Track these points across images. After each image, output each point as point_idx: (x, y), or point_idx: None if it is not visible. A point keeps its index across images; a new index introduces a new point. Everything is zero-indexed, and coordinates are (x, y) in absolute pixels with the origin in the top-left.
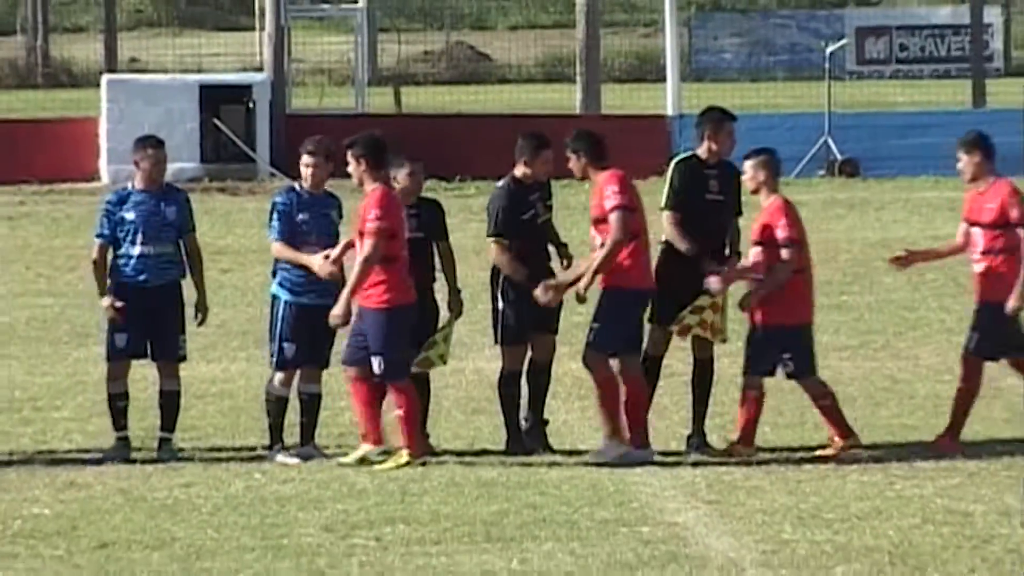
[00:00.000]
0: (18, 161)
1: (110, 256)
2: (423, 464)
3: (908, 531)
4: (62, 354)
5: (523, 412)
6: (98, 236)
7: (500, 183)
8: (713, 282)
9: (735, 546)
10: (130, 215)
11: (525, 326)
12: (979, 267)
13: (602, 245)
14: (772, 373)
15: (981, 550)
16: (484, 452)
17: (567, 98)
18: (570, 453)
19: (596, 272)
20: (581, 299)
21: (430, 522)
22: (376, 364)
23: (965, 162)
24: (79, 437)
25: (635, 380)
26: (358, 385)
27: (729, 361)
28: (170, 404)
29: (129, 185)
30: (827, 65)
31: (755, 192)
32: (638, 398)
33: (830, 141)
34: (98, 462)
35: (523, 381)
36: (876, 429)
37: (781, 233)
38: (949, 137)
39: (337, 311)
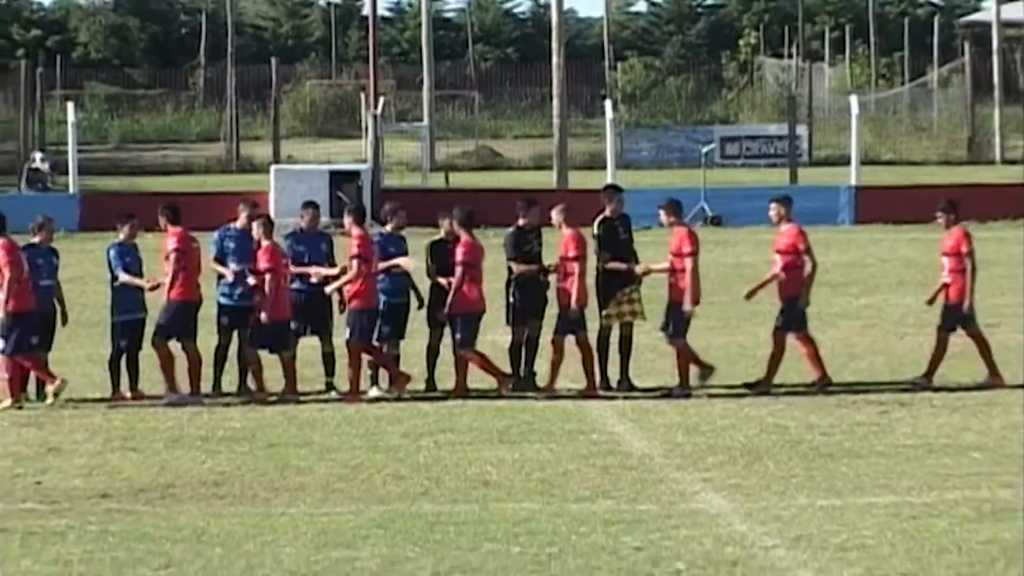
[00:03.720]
0: (222, 218)
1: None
2: (19, 407)
3: (751, 437)
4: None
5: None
6: (285, 257)
7: (510, 229)
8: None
9: (648, 446)
10: (300, 247)
11: (525, 314)
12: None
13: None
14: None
15: (795, 448)
16: (496, 391)
17: (548, 179)
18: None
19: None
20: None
21: (466, 431)
22: (7, 344)
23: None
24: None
25: (191, 352)
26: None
27: (644, 336)
28: (330, 360)
29: (300, 228)
30: (703, 159)
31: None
32: (194, 365)
33: (705, 205)
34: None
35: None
36: (733, 377)
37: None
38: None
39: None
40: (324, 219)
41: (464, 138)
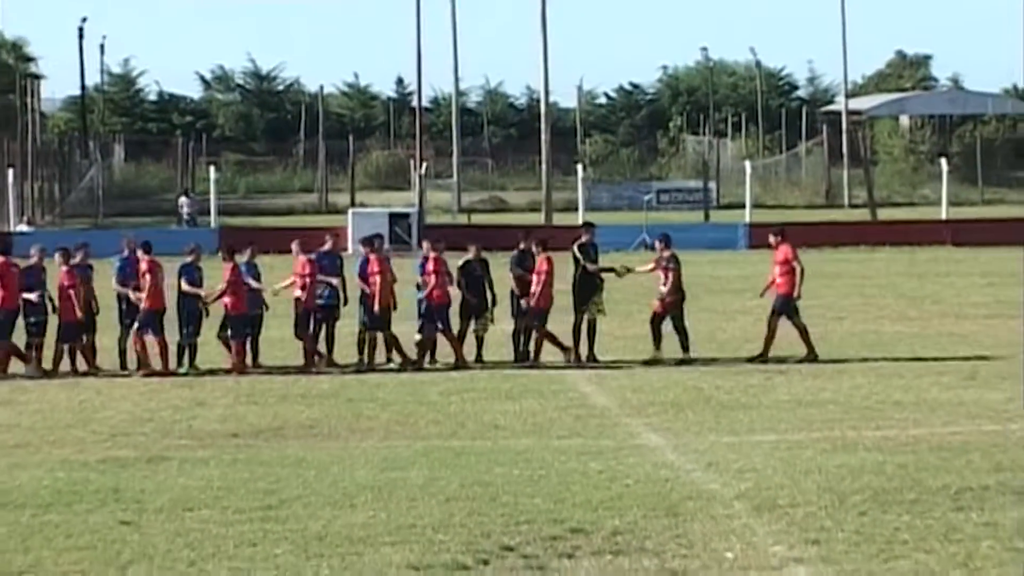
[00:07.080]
0: (314, 245)
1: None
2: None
3: (677, 394)
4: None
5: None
6: (360, 274)
7: (514, 252)
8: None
9: (608, 402)
10: (374, 267)
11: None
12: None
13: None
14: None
15: (707, 402)
16: (503, 362)
17: (538, 218)
18: (539, 365)
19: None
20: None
21: (482, 390)
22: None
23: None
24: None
25: (4, 345)
26: None
27: (605, 328)
28: (393, 343)
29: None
30: (645, 204)
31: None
32: (7, 355)
33: (645, 236)
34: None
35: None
36: (664, 353)
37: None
38: (691, 235)
39: None
40: (386, 246)
41: (481, 190)
